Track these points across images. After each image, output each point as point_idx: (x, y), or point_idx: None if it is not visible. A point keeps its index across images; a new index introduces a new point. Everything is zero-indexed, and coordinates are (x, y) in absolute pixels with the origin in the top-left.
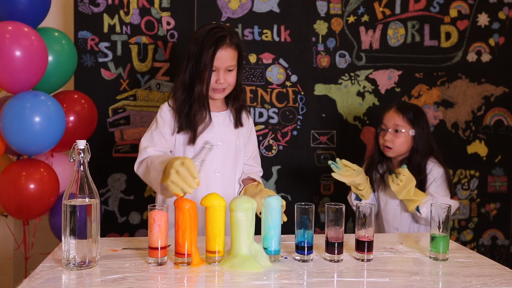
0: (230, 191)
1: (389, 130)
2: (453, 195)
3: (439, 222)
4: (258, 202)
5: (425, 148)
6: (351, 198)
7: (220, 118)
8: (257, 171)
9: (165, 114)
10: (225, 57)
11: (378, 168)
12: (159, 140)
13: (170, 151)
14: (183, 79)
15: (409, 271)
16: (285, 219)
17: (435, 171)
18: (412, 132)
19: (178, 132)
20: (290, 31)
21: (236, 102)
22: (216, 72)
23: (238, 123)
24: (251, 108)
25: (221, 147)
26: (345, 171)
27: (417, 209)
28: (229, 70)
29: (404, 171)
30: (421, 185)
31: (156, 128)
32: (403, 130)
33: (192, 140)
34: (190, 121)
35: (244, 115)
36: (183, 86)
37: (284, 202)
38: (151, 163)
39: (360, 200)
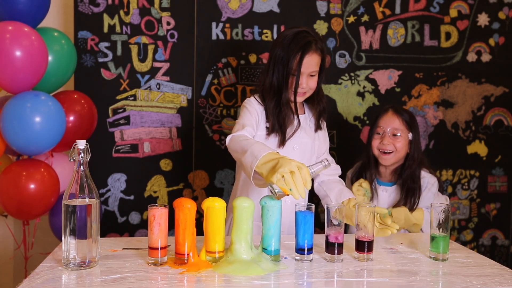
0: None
1: (387, 133)
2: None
3: (439, 222)
4: None
5: (419, 155)
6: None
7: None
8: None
9: (256, 107)
10: (310, 63)
11: (367, 176)
12: (252, 124)
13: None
14: (271, 82)
15: (409, 271)
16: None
17: (430, 183)
18: (410, 136)
19: (268, 134)
20: None
21: (318, 106)
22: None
23: (318, 127)
24: None
25: (297, 149)
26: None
27: None
28: (312, 75)
29: (389, 217)
30: (414, 194)
31: (250, 115)
32: (401, 134)
33: (282, 143)
34: (281, 124)
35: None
36: (272, 89)
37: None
38: (251, 145)
39: None
